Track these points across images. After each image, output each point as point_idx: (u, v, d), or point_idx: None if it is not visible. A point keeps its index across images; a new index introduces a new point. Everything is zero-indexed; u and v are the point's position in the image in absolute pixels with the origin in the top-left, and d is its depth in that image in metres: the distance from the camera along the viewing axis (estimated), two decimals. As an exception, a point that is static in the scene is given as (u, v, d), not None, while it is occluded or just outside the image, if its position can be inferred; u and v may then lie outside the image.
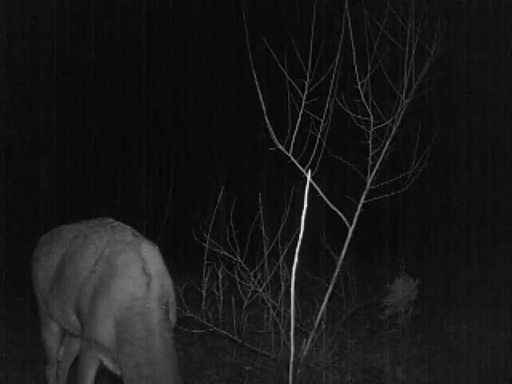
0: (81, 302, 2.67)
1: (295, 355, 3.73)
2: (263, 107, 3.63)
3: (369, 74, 3.80)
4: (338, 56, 3.68)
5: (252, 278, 3.95)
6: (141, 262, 2.53)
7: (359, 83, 3.77)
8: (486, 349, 4.33)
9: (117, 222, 2.95)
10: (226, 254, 3.98)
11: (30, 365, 4.05)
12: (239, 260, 3.96)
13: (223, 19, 8.05)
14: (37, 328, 3.32)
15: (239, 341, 3.97)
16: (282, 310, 3.99)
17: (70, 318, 2.85)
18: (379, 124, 3.88)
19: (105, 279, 2.56)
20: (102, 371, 3.51)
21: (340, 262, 3.91)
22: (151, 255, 2.60)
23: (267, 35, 3.80)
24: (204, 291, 3.87)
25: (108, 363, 2.60)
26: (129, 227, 2.87)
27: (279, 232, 4.07)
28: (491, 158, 8.01)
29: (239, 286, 4.01)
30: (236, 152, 8.96)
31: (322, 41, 3.88)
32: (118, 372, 2.55)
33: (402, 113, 3.97)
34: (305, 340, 3.88)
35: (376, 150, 3.91)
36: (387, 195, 4.10)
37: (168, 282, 2.63)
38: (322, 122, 3.75)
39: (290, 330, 2.54)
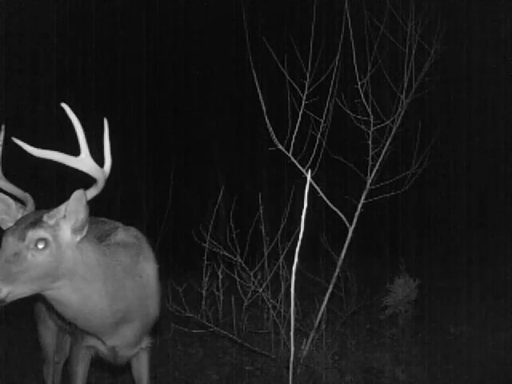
0: None
1: (295, 355, 3.74)
2: (263, 107, 3.64)
3: (369, 74, 3.80)
4: (338, 56, 3.68)
5: (252, 278, 3.95)
6: (126, 228, 2.64)
7: (359, 83, 3.77)
8: (486, 349, 4.32)
9: (110, 220, 2.91)
10: (226, 254, 3.98)
11: (29, 365, 4.04)
12: (239, 260, 3.96)
13: (223, 19, 8.05)
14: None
15: (239, 341, 3.97)
16: (282, 310, 3.99)
17: None
18: (379, 124, 3.88)
19: None
20: (102, 371, 3.51)
21: (340, 262, 3.91)
22: (137, 231, 2.67)
23: (267, 35, 3.80)
24: (204, 291, 3.88)
25: (100, 347, 2.55)
26: (118, 223, 2.85)
27: (279, 232, 4.07)
28: (491, 158, 8.01)
29: (239, 286, 4.01)
30: (236, 152, 8.96)
31: (322, 41, 3.88)
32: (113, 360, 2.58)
33: (402, 113, 3.97)
34: (305, 340, 3.87)
35: (376, 150, 3.91)
36: (387, 195, 4.10)
37: (148, 253, 2.60)
38: (322, 122, 3.75)
39: (290, 330, 2.55)
